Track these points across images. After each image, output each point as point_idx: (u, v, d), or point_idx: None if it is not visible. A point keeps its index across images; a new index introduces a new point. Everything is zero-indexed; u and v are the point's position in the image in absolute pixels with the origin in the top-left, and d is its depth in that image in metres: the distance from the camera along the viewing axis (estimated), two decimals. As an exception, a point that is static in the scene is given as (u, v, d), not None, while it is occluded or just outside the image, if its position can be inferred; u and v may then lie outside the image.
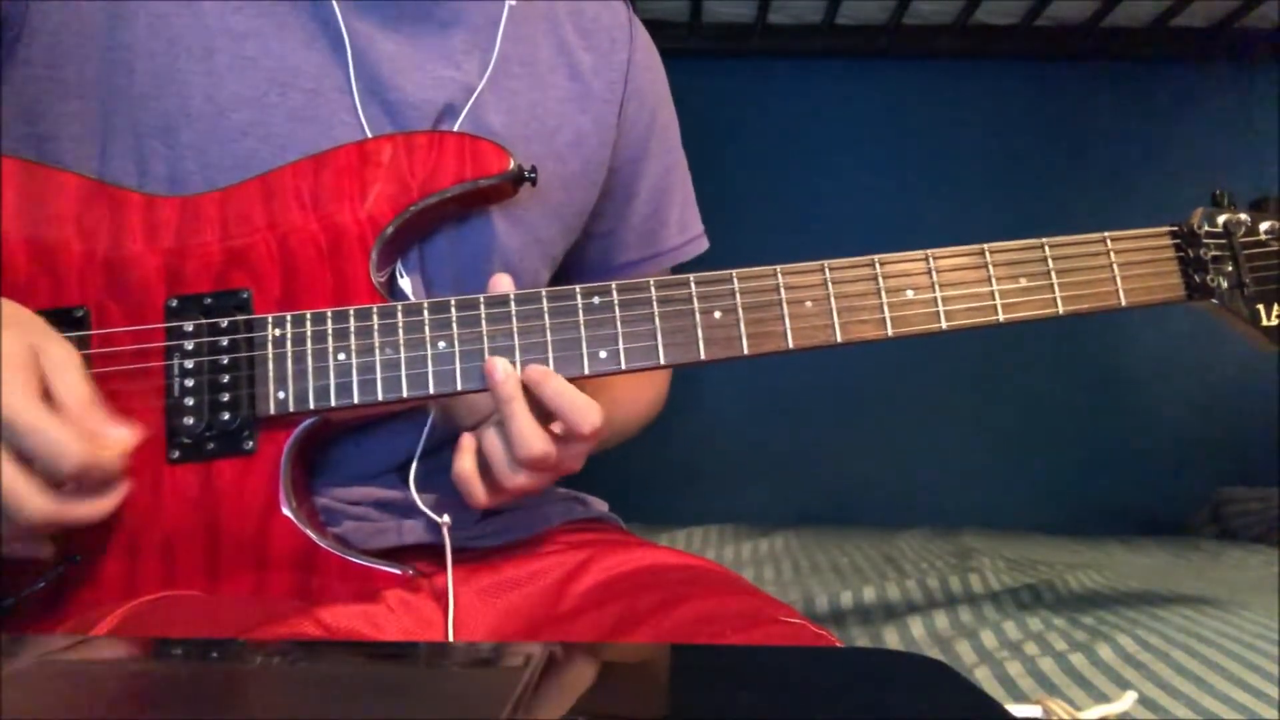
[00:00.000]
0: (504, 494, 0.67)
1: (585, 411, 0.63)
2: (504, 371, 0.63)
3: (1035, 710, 0.67)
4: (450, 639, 0.65)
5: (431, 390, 0.65)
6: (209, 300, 0.65)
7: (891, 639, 1.19)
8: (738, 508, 2.12)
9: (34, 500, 0.53)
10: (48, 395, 0.55)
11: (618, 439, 0.88)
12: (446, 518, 0.68)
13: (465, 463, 0.66)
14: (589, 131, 0.79)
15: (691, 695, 0.42)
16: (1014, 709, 0.67)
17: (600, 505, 0.85)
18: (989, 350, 2.27)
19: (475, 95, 0.72)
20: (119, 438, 0.56)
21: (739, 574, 0.76)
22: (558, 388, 0.63)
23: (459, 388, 0.65)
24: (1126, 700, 0.79)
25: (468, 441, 0.67)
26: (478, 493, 0.66)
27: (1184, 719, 0.89)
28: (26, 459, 0.53)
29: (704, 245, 0.92)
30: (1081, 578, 1.47)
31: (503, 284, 0.67)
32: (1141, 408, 2.36)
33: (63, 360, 0.56)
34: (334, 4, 0.70)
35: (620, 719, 0.40)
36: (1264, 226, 0.78)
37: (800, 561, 1.72)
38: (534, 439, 0.63)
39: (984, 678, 1.01)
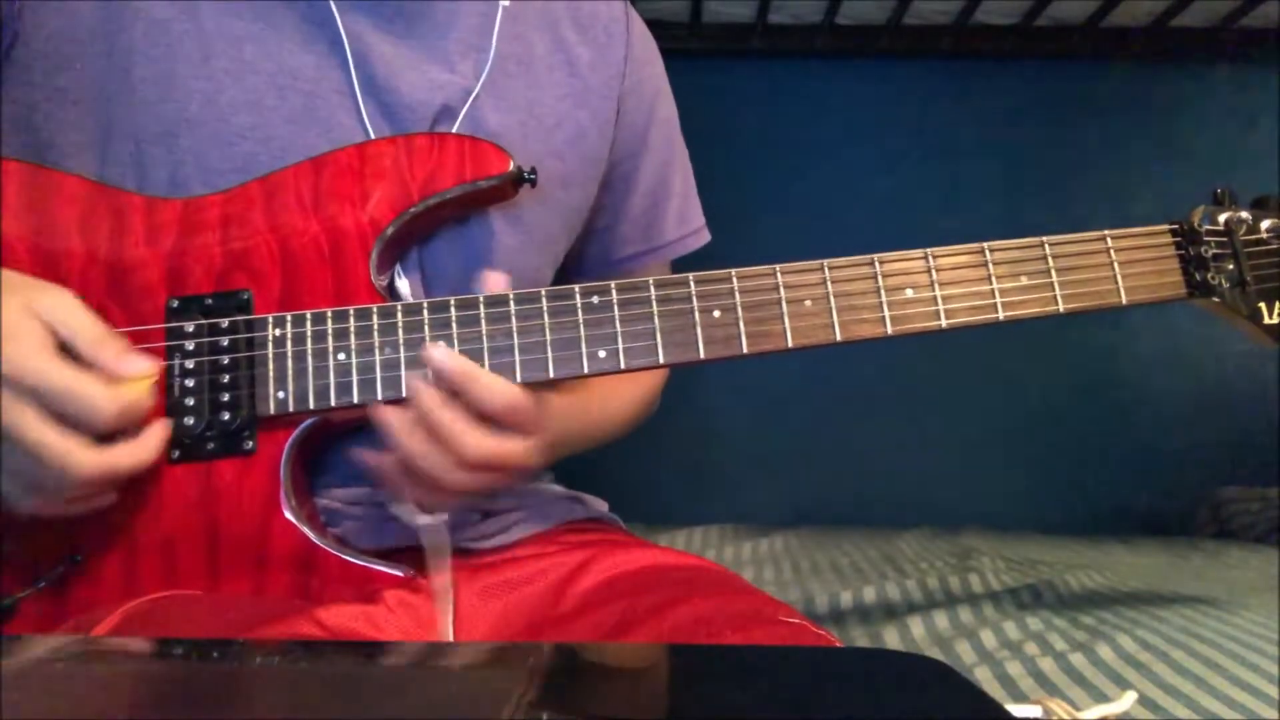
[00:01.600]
0: (443, 494, 0.64)
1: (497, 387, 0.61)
2: (420, 384, 0.62)
3: (1035, 710, 0.67)
4: (450, 639, 0.65)
5: (431, 390, 0.64)
6: (209, 301, 0.65)
7: (891, 639, 1.18)
8: (738, 508, 2.12)
9: (84, 455, 0.54)
10: (61, 347, 0.55)
11: (610, 432, 0.87)
12: (445, 517, 0.68)
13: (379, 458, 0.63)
14: (588, 127, 0.79)
15: (691, 695, 0.42)
16: (1014, 709, 0.67)
17: (600, 505, 0.85)
18: (989, 350, 2.27)
19: (472, 97, 0.72)
20: (141, 368, 0.57)
21: (739, 574, 0.76)
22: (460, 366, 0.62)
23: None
24: (1126, 700, 0.79)
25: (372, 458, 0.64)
26: (403, 489, 0.64)
27: (1184, 719, 0.89)
28: (61, 417, 0.54)
29: (705, 238, 0.91)
30: (1081, 578, 1.46)
31: (492, 281, 0.66)
32: (1142, 408, 2.36)
33: (58, 304, 0.57)
34: (331, 5, 0.70)
35: None
36: (1265, 224, 0.77)
37: (800, 561, 1.72)
38: (481, 441, 0.61)
39: (984, 678, 1.01)
